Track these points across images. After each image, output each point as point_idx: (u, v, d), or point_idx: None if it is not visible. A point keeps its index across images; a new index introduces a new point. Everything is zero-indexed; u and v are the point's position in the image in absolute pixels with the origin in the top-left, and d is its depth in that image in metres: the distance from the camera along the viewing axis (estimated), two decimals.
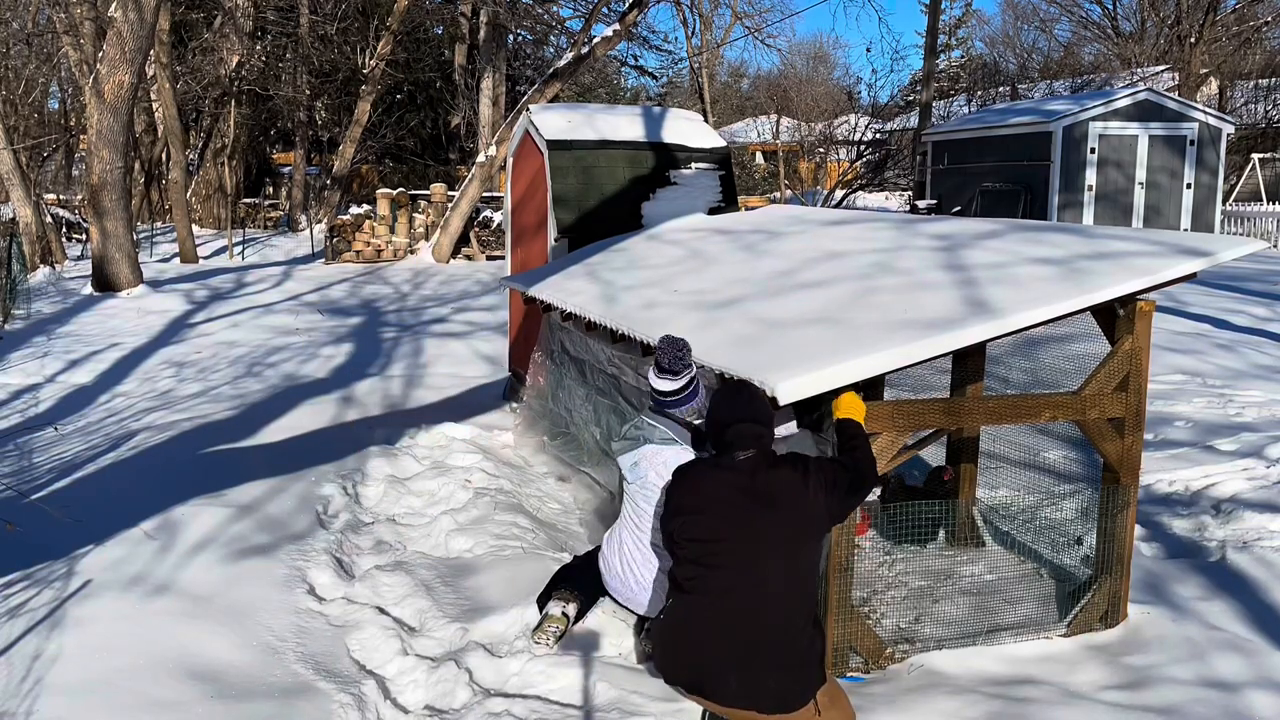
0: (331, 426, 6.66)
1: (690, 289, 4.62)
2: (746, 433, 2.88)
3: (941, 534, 4.57)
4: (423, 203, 18.73)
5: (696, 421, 3.72)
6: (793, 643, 2.77)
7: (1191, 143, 18.33)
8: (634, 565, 3.68)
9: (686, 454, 3.54)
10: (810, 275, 4.31)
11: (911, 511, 4.20)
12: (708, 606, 2.81)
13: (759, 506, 2.80)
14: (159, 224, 23.04)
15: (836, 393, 3.21)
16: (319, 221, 21.34)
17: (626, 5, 17.26)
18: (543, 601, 3.84)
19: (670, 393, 3.64)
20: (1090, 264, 3.66)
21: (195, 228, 20.62)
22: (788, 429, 3.56)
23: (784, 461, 2.91)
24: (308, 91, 23.61)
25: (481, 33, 23.21)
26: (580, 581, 3.84)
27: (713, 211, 6.92)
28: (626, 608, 3.76)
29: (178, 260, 17.18)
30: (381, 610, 4.03)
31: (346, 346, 9.63)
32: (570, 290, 5.39)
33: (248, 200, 25.41)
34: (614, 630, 3.79)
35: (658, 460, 3.58)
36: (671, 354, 3.60)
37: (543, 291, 5.66)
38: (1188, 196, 18.47)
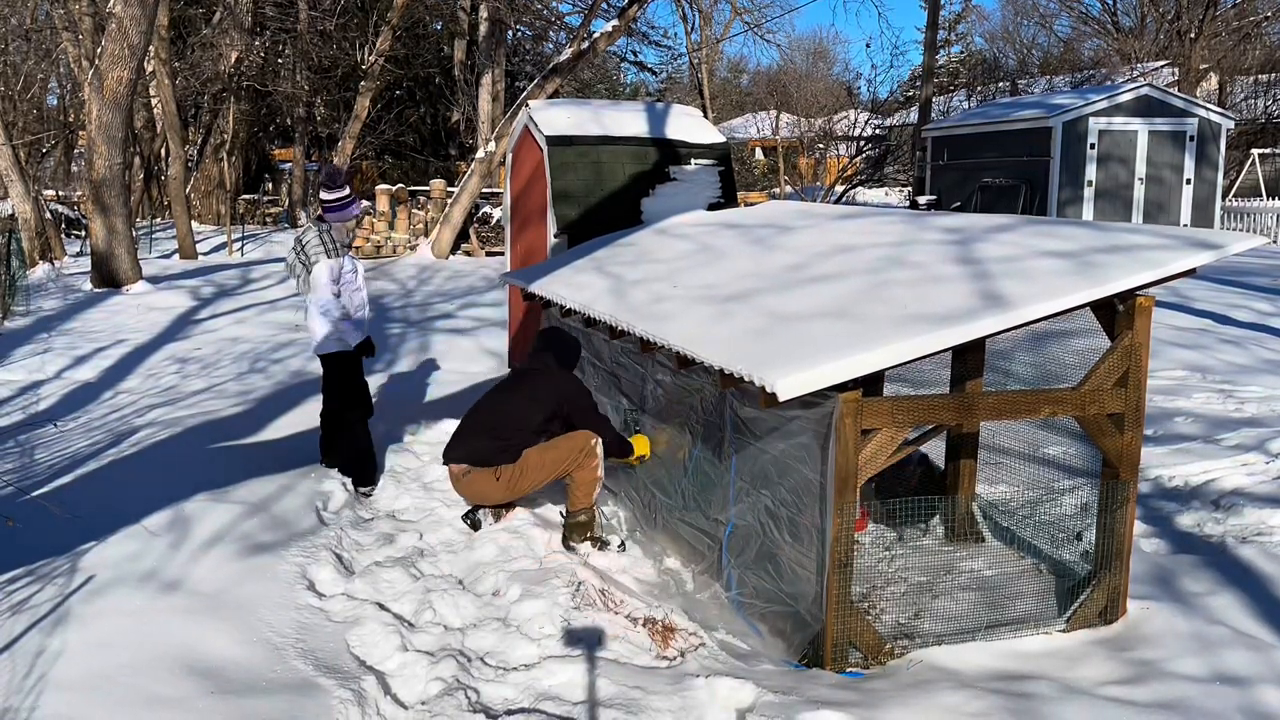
0: None
1: (700, 283, 4.60)
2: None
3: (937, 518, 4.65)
4: (422, 199, 18.72)
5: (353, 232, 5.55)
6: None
7: (1192, 138, 18.31)
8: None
9: (331, 262, 5.21)
10: (821, 269, 4.29)
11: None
12: None
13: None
14: (158, 220, 23.03)
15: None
16: None
17: (626, 1, 17.22)
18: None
19: (334, 200, 5.28)
20: (1104, 257, 3.63)
21: (195, 224, 20.62)
22: None
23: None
24: (307, 87, 23.60)
25: (481, 28, 23.17)
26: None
27: (712, 208, 6.91)
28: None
29: (177, 256, 17.16)
30: (382, 606, 4.03)
31: None
32: (576, 285, 5.38)
33: (247, 196, 25.40)
34: (616, 627, 3.80)
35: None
36: (332, 173, 5.37)
37: (546, 287, 5.64)
38: (1188, 192, 18.45)
